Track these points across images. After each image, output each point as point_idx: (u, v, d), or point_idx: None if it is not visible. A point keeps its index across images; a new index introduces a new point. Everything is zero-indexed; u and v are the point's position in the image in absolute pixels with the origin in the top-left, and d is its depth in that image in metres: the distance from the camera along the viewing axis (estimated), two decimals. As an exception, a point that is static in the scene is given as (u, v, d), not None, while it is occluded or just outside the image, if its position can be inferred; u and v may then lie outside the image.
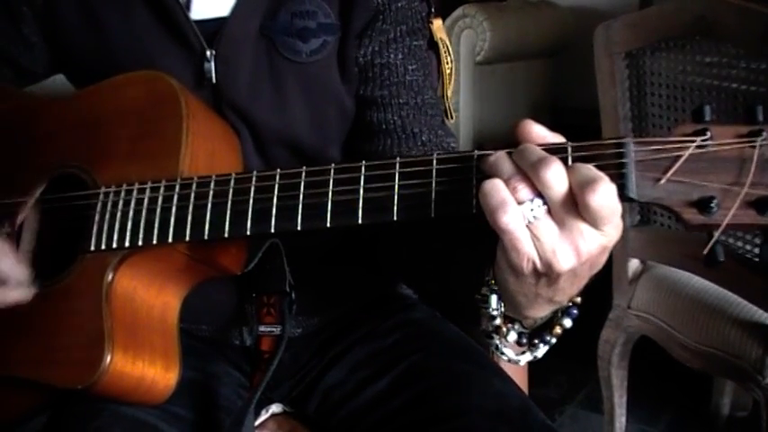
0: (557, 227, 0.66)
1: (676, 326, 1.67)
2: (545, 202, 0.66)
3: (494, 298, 0.74)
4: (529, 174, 0.66)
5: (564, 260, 0.66)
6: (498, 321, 0.76)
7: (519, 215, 0.66)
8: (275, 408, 1.09)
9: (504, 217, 0.65)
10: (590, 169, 0.65)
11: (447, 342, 1.07)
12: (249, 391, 0.97)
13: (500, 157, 0.69)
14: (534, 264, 0.67)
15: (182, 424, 0.97)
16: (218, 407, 1.02)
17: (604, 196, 0.64)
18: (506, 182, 0.66)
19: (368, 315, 1.12)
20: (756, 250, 1.44)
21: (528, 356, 0.78)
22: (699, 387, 2.23)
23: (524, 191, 0.66)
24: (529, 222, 0.66)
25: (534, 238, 0.66)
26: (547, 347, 0.77)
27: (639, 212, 1.68)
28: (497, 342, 0.77)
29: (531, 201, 0.66)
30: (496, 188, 0.66)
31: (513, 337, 0.77)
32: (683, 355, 1.67)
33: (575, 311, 0.75)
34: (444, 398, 0.95)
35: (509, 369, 1.04)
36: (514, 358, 0.78)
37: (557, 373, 2.49)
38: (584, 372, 2.25)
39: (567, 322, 0.75)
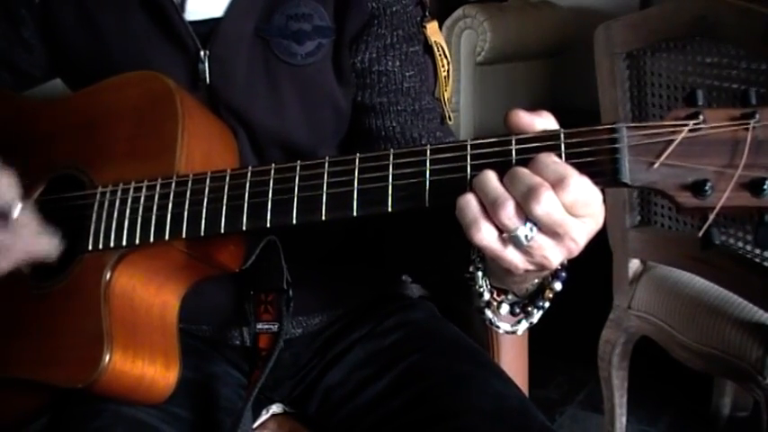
0: (549, 239, 0.67)
1: (677, 326, 1.66)
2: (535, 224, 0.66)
3: (479, 275, 0.76)
4: (520, 203, 0.66)
5: (555, 260, 0.68)
6: (487, 297, 0.77)
7: (492, 232, 0.67)
8: (276, 408, 1.09)
9: (476, 234, 0.67)
10: (586, 190, 0.65)
11: (447, 342, 1.07)
12: (247, 389, 0.97)
13: (487, 179, 0.68)
14: (525, 266, 0.68)
15: (182, 424, 0.97)
16: (218, 407, 1.02)
17: (599, 209, 0.66)
18: (492, 204, 0.66)
19: (368, 315, 1.12)
20: (756, 250, 1.44)
21: (524, 324, 0.79)
22: (699, 387, 2.23)
23: (514, 219, 0.66)
24: (522, 244, 0.66)
25: (525, 253, 0.67)
26: (541, 312, 0.78)
27: (640, 213, 1.68)
28: (491, 317, 0.78)
29: (524, 225, 0.66)
30: (469, 205, 0.67)
31: (505, 309, 0.78)
32: (683, 355, 1.66)
33: (563, 274, 0.75)
34: (444, 398, 0.95)
35: (509, 369, 1.05)
36: (510, 329, 0.79)
37: (557, 374, 2.49)
38: (585, 372, 2.25)
39: (557, 285, 0.76)
